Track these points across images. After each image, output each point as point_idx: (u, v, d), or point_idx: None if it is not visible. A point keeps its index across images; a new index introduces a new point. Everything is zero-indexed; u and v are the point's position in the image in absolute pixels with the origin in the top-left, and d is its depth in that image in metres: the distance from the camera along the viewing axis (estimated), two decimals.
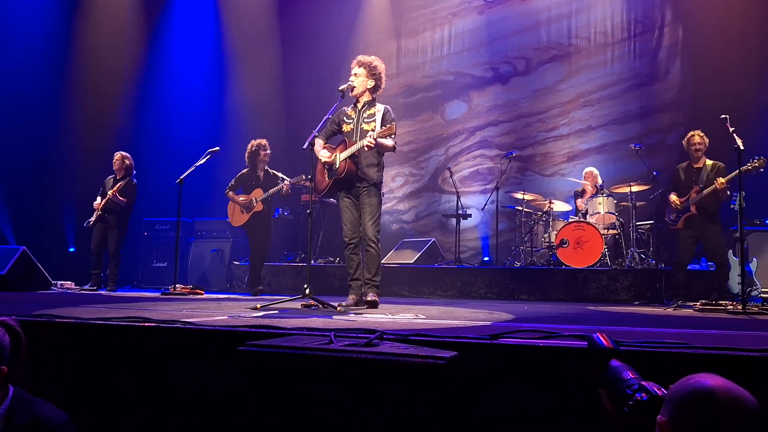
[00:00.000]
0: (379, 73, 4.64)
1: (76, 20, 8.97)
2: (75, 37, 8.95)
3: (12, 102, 8.18)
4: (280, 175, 6.74)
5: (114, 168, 7.31)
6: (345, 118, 4.70)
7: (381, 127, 4.48)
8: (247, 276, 7.10)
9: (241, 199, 6.67)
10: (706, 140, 5.76)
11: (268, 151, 6.75)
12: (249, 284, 6.98)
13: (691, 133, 5.86)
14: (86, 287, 7.06)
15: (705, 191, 5.55)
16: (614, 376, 1.51)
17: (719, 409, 1.18)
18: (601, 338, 1.67)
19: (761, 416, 1.20)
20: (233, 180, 6.75)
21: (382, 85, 4.70)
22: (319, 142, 4.70)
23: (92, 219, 7.23)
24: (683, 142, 5.92)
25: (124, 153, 7.35)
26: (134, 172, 7.35)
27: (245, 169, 6.77)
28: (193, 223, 8.64)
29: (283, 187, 6.48)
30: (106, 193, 7.19)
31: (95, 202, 7.21)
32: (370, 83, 4.64)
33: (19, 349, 1.92)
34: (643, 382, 1.44)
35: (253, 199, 6.62)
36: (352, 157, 4.52)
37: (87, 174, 8.32)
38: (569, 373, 2.03)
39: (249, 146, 6.74)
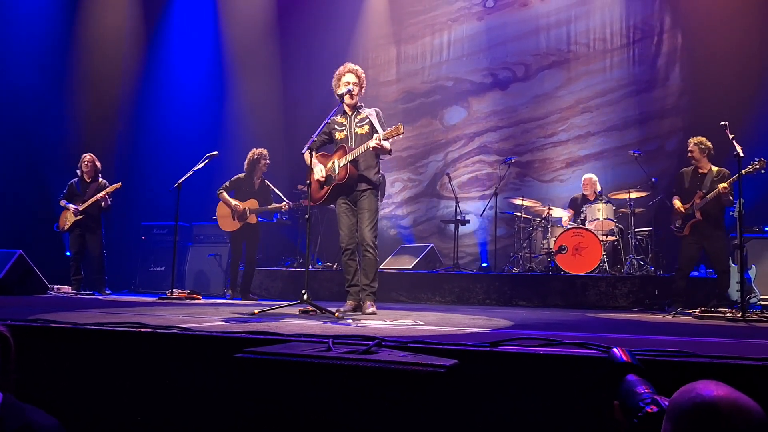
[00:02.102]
0: (364, 80, 4.75)
1: (75, 25, 8.96)
2: (74, 42, 8.94)
3: (10, 105, 8.15)
4: (277, 191, 6.88)
5: (84, 170, 7.28)
6: (336, 126, 4.68)
7: (381, 128, 4.48)
8: (229, 279, 7.17)
9: (234, 203, 6.72)
10: (706, 146, 5.72)
11: (268, 161, 6.89)
12: (230, 287, 7.04)
13: (690, 138, 5.87)
14: (73, 293, 6.96)
15: (708, 196, 5.54)
16: (629, 389, 1.57)
17: (722, 422, 1.13)
18: (620, 353, 1.75)
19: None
20: (228, 182, 6.83)
21: (363, 92, 4.78)
22: (311, 157, 4.59)
23: (68, 224, 7.15)
24: None
25: (93, 155, 7.37)
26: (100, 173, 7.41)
27: (242, 174, 6.86)
28: (191, 228, 8.61)
29: (281, 207, 6.71)
30: (75, 197, 7.16)
31: (71, 207, 7.12)
32: (359, 90, 4.70)
33: (8, 356, 1.89)
34: (656, 396, 1.47)
35: (247, 209, 6.70)
36: (352, 161, 4.51)
37: None
38: (569, 381, 2.01)
39: (251, 154, 6.86)
